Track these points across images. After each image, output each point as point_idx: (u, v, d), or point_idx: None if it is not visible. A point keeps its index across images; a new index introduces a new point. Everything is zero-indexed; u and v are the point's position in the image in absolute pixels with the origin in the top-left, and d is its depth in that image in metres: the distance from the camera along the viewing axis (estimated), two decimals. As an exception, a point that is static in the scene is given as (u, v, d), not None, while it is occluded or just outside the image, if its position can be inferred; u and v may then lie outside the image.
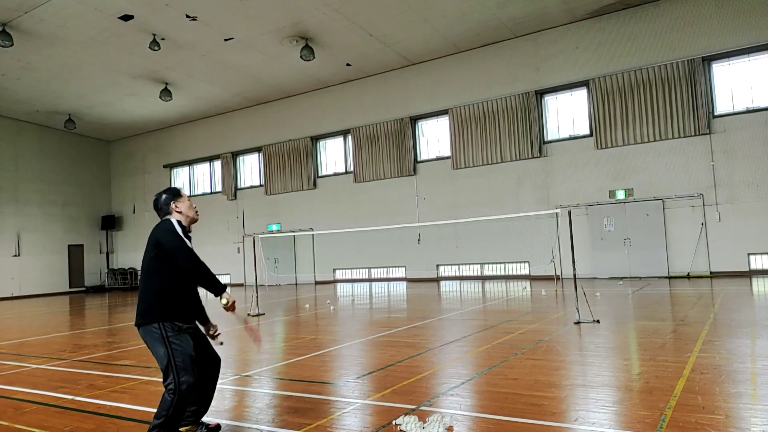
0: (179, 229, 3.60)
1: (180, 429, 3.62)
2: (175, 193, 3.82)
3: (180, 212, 3.76)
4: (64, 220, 27.14)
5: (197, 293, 3.78)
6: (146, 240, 3.68)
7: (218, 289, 3.58)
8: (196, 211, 3.89)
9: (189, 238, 3.69)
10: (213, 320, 3.99)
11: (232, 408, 4.46)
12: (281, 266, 23.28)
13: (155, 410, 3.49)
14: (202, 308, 3.86)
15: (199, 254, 3.66)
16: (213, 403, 4.68)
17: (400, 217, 20.44)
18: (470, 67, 19.78)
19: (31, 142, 25.70)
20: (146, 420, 4.10)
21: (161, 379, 3.51)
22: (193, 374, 3.46)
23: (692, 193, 16.20)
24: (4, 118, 24.56)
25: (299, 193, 23.58)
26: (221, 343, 3.94)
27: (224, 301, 3.59)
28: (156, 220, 3.80)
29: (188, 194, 26.59)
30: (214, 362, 3.80)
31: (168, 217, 3.73)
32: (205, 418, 3.87)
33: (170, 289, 3.54)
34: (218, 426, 3.88)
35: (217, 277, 3.63)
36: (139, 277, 3.53)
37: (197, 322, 3.83)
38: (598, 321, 8.09)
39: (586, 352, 6.14)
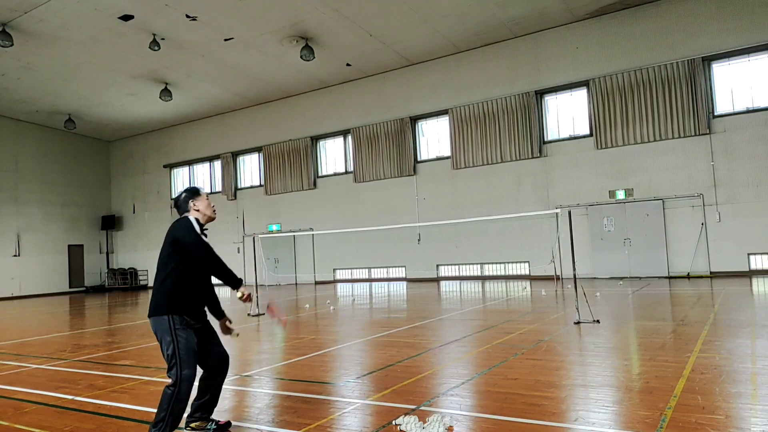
0: (197, 227, 3.74)
1: (191, 425, 3.74)
2: (194, 192, 3.96)
3: (198, 210, 3.88)
4: (64, 220, 27.13)
5: (212, 288, 3.91)
6: (146, 240, 3.76)
7: (235, 282, 3.77)
8: (214, 210, 4.04)
9: (205, 235, 3.83)
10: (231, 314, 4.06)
11: (232, 408, 4.46)
12: (281, 266, 23.28)
13: (155, 410, 3.50)
14: (218, 302, 3.97)
15: None
16: (213, 403, 4.69)
17: (400, 217, 20.44)
18: (470, 67, 19.78)
19: (31, 142, 25.70)
20: (146, 420, 4.11)
21: (162, 378, 3.52)
22: (193, 368, 3.58)
23: (692, 193, 16.20)
24: (4, 118, 24.56)
25: (299, 193, 23.58)
26: (237, 335, 4.09)
27: (239, 294, 3.75)
28: (159, 219, 3.85)
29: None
30: (223, 359, 3.88)
31: (186, 214, 3.85)
32: (214, 416, 3.90)
33: (183, 285, 3.66)
34: (228, 423, 3.95)
35: (233, 271, 3.80)
36: (154, 272, 3.68)
37: (213, 316, 3.95)
38: (598, 321, 8.08)
39: (586, 352, 6.13)
